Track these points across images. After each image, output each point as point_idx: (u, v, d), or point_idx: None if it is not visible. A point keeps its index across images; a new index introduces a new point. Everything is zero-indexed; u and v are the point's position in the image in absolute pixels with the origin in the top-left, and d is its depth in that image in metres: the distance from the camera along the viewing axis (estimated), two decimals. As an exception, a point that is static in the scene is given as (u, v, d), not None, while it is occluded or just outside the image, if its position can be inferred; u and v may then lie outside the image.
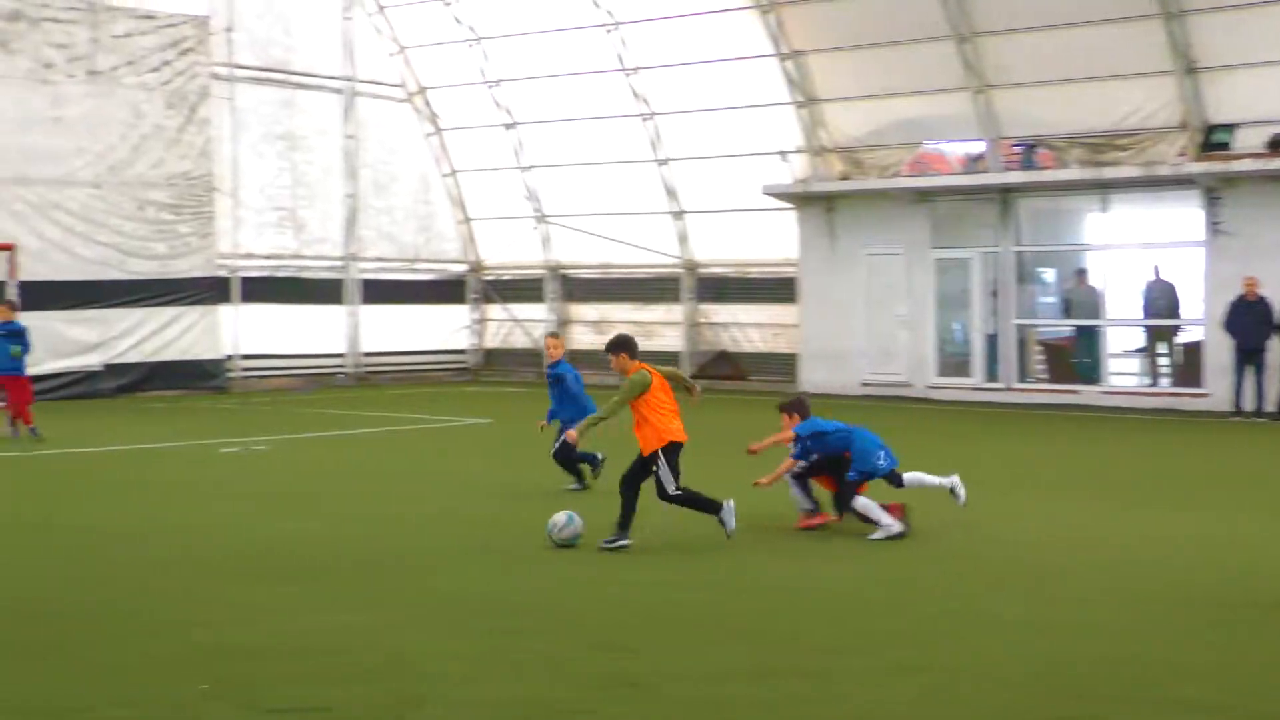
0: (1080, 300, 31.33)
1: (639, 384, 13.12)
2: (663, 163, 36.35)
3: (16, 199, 30.82)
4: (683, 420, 13.32)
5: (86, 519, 15.09)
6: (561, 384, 16.92)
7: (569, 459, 17.14)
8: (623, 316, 38.28)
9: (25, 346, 23.11)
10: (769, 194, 34.03)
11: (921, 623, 10.38)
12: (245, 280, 35.64)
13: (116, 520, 14.97)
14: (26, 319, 29.28)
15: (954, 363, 32.45)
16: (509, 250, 39.93)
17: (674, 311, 37.33)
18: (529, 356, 39.64)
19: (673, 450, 13.07)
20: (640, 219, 37.22)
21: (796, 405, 14.35)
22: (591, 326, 38.71)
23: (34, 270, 30.60)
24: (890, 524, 13.66)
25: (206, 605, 10.77)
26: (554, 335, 17.05)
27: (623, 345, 13.50)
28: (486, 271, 41.01)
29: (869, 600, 11.18)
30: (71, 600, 10.97)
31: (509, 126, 38.48)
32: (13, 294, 29.03)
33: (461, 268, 41.04)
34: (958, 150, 32.65)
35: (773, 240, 35.28)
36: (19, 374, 22.91)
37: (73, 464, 20.19)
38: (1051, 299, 32.49)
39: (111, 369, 32.13)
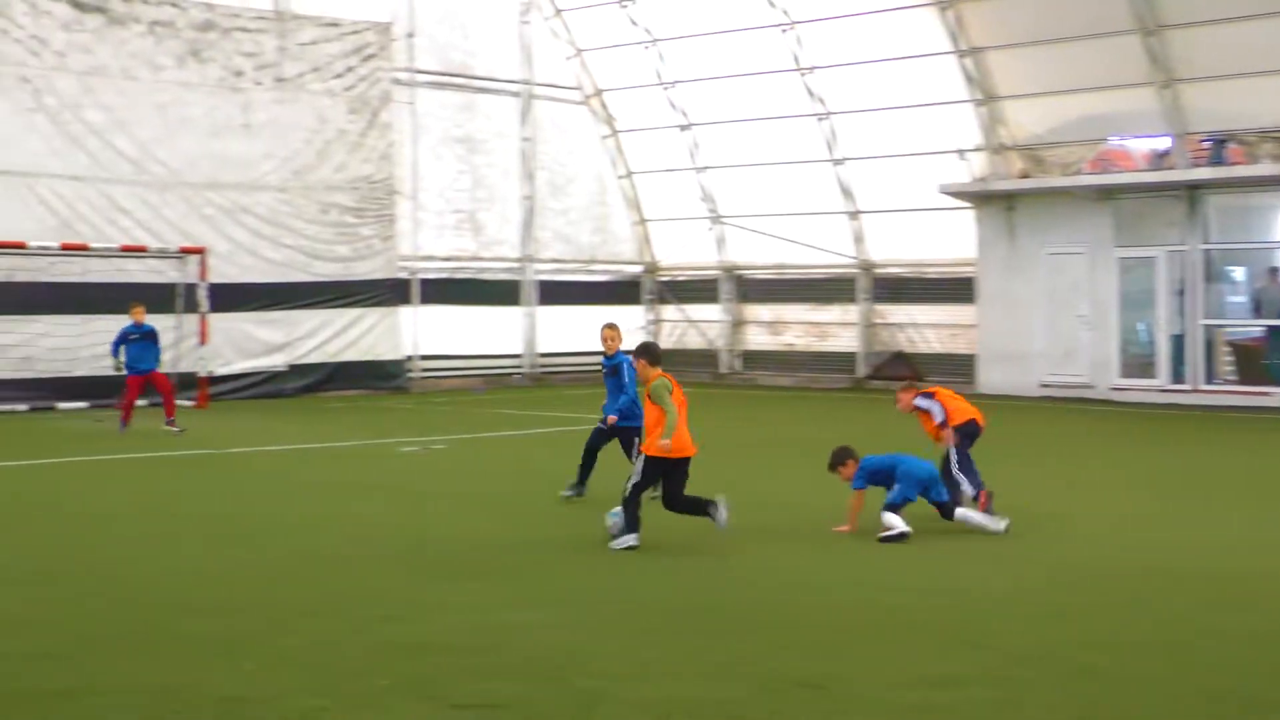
0: (1271, 299, 30.34)
1: (664, 387, 13.34)
2: (838, 162, 36.10)
3: (207, 203, 31.76)
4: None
5: (273, 515, 15.46)
6: (618, 375, 16.57)
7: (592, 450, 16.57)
8: (797, 317, 38.12)
9: (159, 348, 24.56)
10: (946, 193, 33.59)
11: (1110, 629, 10.13)
12: (424, 282, 36.23)
13: (301, 516, 15.31)
14: (215, 320, 30.28)
15: (1138, 364, 31.68)
16: (684, 251, 39.97)
17: (849, 312, 37.03)
18: (703, 357, 39.67)
19: (656, 464, 13.14)
20: (816, 219, 37.00)
21: (842, 454, 14.22)
22: (766, 328, 38.61)
23: (223, 272, 31.50)
24: (896, 524, 13.54)
25: (392, 601, 10.95)
26: (610, 326, 16.80)
27: (643, 352, 13.73)
28: (661, 272, 41.11)
29: (1058, 605, 10.94)
30: (261, 595, 11.24)
31: (684, 128, 38.55)
32: (202, 295, 29.93)
33: (636, 269, 41.20)
34: (1143, 146, 31.86)
35: (950, 240, 34.81)
36: (154, 370, 24.11)
37: (258, 462, 20.71)
38: (1241, 298, 31.51)
39: (295, 369, 32.93)
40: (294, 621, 10.26)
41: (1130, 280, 31.73)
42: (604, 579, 11.86)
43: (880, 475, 14.13)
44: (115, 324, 29.73)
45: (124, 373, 24.15)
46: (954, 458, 14.84)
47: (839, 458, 14.30)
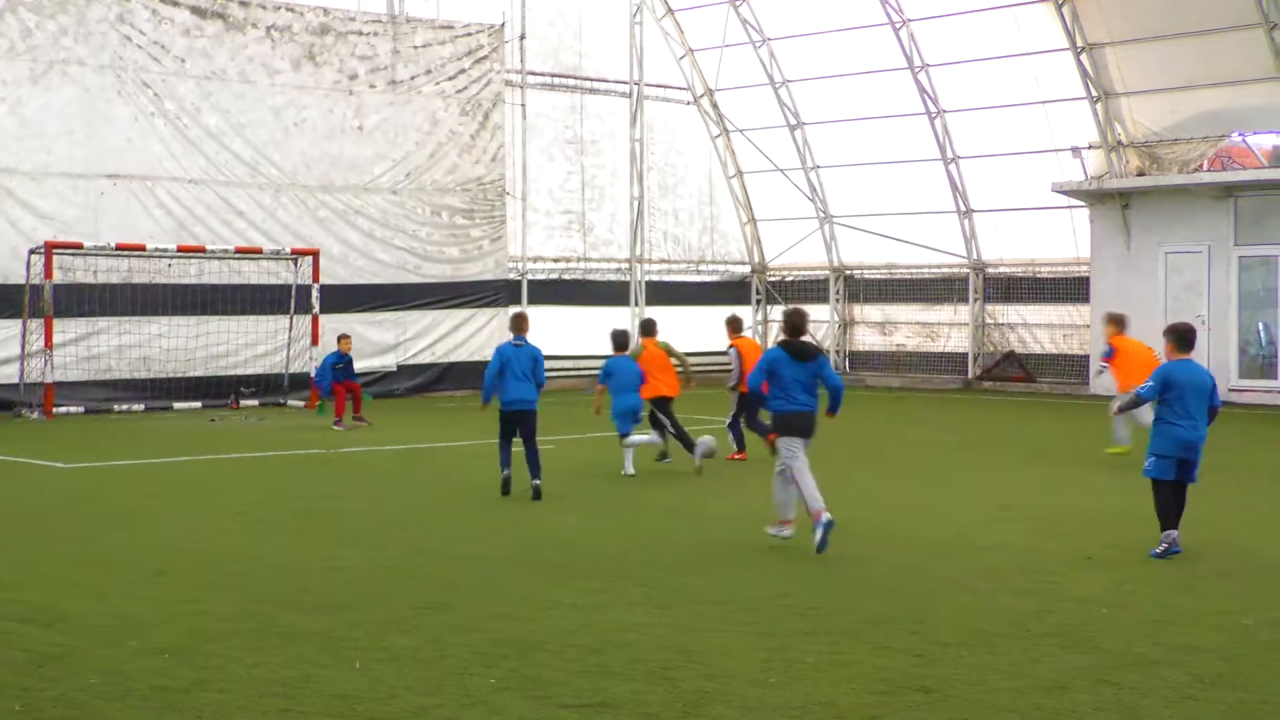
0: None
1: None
2: (950, 161, 35.77)
3: (321, 205, 32.17)
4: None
5: (388, 514, 15.64)
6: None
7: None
8: (908, 317, 37.84)
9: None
10: (1060, 191, 33.15)
11: (1232, 639, 9.94)
12: (533, 283, 36.42)
13: (416, 515, 15.47)
14: (326, 321, 30.65)
15: (1258, 365, 31.04)
16: (793, 251, 39.84)
17: (960, 312, 36.70)
18: (813, 358, 39.41)
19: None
20: (926, 219, 36.71)
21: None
22: (875, 328, 38.37)
23: (335, 274, 31.89)
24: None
25: (505, 600, 11.03)
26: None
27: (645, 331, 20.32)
28: (770, 273, 41.00)
29: (1180, 610, 10.76)
30: (376, 592, 11.38)
31: (795, 127, 38.41)
32: (315, 297, 30.32)
33: (745, 269, 41.12)
34: (1265, 143, 31.19)
35: (1063, 239, 34.39)
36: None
37: (374, 461, 20.95)
38: (1365, 298, 30.77)
39: (405, 369, 33.27)
40: (407, 619, 10.36)
41: (1250, 279, 31.10)
42: (717, 579, 11.84)
43: None
44: (229, 324, 30.31)
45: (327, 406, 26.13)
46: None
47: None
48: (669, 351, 20.23)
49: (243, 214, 30.98)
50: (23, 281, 27.91)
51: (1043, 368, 35.30)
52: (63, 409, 27.74)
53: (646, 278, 38.46)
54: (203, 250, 29.67)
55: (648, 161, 38.64)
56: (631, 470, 18.87)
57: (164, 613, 10.63)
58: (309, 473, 19.61)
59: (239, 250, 30.13)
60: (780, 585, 11.67)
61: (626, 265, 38.34)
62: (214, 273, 30.37)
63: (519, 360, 17.00)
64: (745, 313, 40.68)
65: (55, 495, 17.33)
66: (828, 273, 39.31)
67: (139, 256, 29.18)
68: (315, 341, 30.49)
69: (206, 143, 30.54)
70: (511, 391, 16.89)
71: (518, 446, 16.90)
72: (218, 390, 29.90)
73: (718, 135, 40.11)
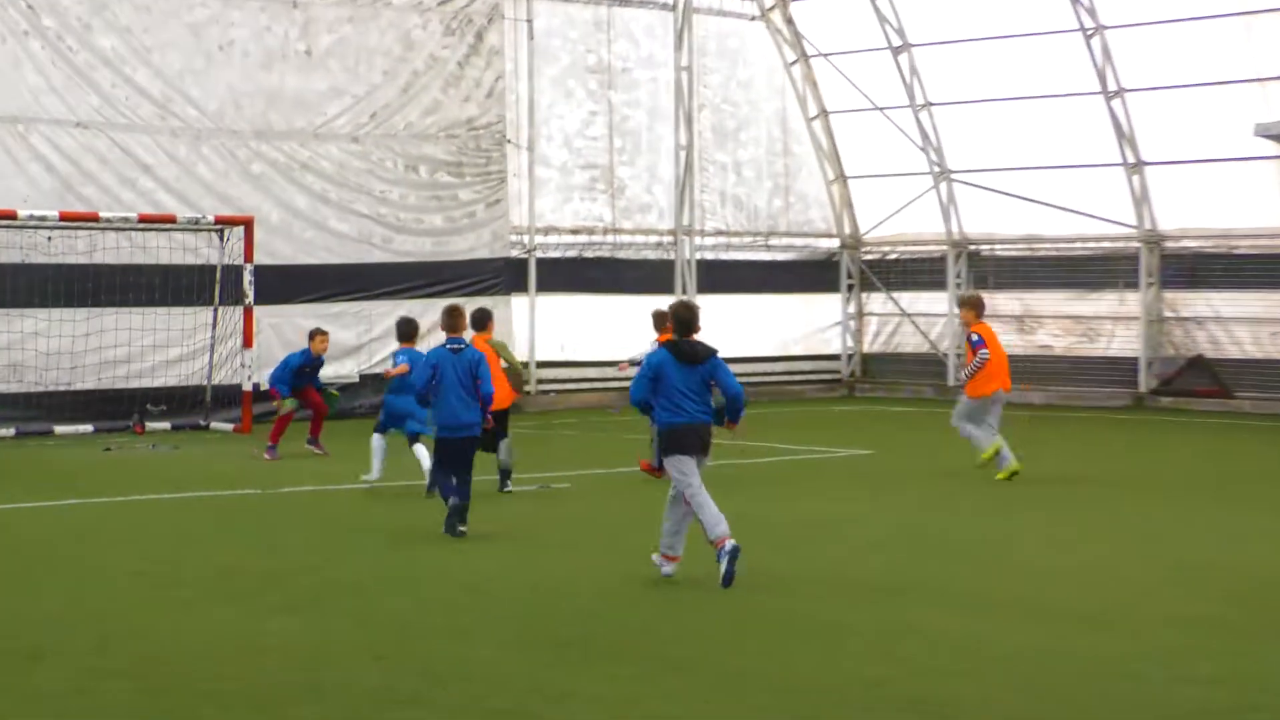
0: None
1: None
2: (1113, 95, 35.59)
3: (256, 157, 32.25)
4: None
5: (350, 571, 15.64)
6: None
7: None
8: (1055, 309, 37.67)
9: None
10: (1265, 136, 32.92)
11: None
12: (544, 262, 36.39)
13: (385, 573, 15.48)
14: (263, 314, 30.71)
15: None
16: (898, 220, 39.70)
17: (1128, 302, 36.52)
18: (923, 364, 39.35)
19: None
20: (1081, 174, 36.54)
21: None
22: (1011, 324, 38.15)
23: (275, 250, 31.97)
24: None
25: (499, 690, 11.00)
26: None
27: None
28: (867, 249, 40.85)
29: None
30: (321, 680, 11.36)
31: (899, 49, 38.27)
32: (247, 282, 30.36)
33: (832, 243, 41.00)
34: None
35: (1270, 201, 34.13)
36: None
37: (312, 504, 20.97)
38: None
39: (370, 380, 33.19)
40: (384, 713, 10.35)
41: None
42: (778, 659, 11.78)
43: None
44: (130, 319, 30.41)
45: (288, 410, 26.24)
46: None
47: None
48: (500, 352, 21.79)
49: (149, 169, 31.09)
50: None
51: (1242, 377, 35.05)
52: (-94, 434, 27.90)
53: (698, 255, 38.36)
54: (95, 218, 29.77)
55: (699, 98, 38.57)
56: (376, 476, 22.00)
57: (41, 711, 10.60)
58: (236, 520, 19.55)
59: (144, 219, 30.21)
60: (868, 666, 11.60)
61: (670, 239, 38.26)
62: (110, 249, 30.45)
63: (458, 369, 17.73)
64: (831, 304, 40.64)
65: (-107, 550, 17.33)
66: (945, 248, 39.15)
67: (8, 226, 29.26)
68: (248, 342, 30.52)
69: (99, 72, 30.65)
70: (450, 413, 17.69)
71: None
72: (115, 409, 29.98)
73: (794, 62, 40.00)
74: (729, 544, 14.49)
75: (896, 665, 11.81)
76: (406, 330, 22.65)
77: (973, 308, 23.93)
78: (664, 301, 37.05)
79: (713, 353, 15.11)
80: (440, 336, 19.01)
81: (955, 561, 16.30)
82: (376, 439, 22.21)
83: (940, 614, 13.50)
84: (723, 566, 14.47)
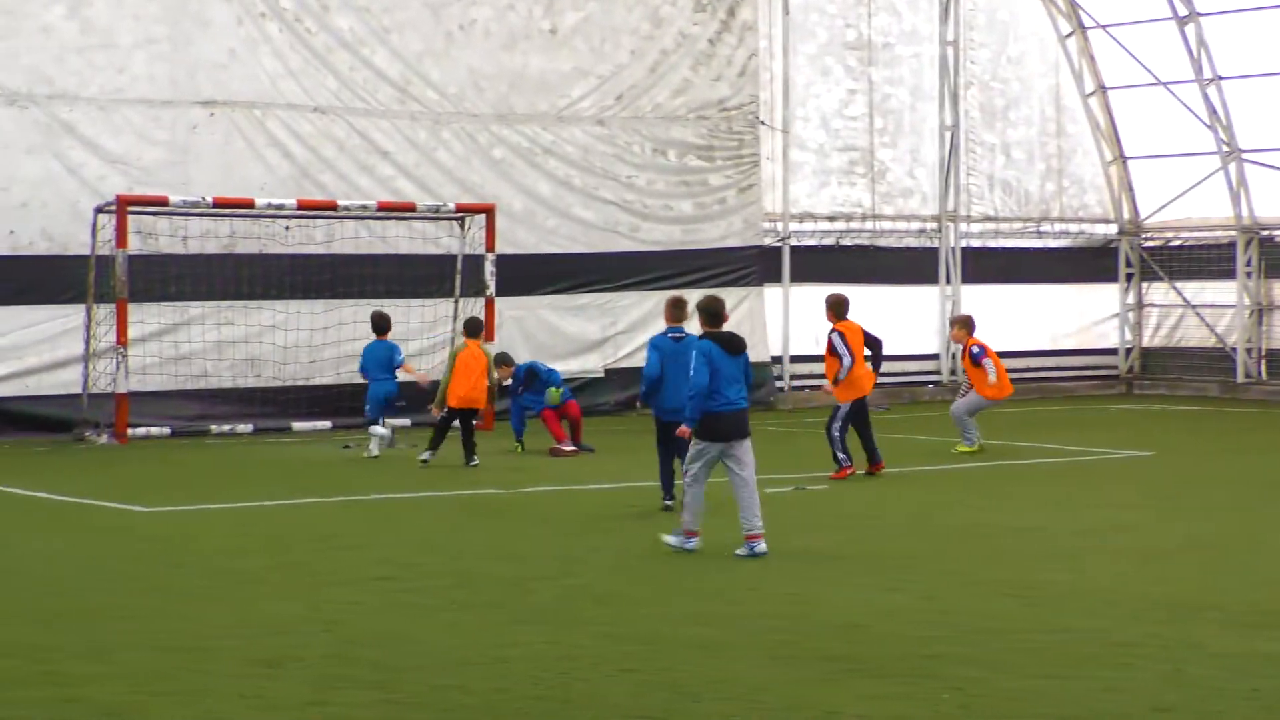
0: None
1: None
2: None
3: (497, 142, 32.56)
4: None
5: (590, 580, 15.73)
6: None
7: None
8: (1356, 301, 36.82)
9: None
10: None
11: None
12: (799, 250, 36.31)
13: (619, 583, 15.54)
14: (504, 306, 30.98)
15: None
16: (1182, 203, 39.06)
17: None
18: (1210, 359, 38.67)
19: None
20: (1384, 153, 35.69)
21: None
22: (1308, 316, 37.44)
23: (516, 239, 32.26)
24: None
25: (759, 707, 10.97)
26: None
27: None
28: (1147, 235, 40.24)
29: None
30: (566, 694, 11.42)
31: (1185, 19, 37.62)
32: (489, 272, 30.60)
33: (1110, 229, 40.44)
34: None
35: None
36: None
37: (569, 505, 21.12)
38: None
39: (616, 375, 33.37)
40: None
41: None
42: (1060, 682, 11.61)
43: None
44: (369, 312, 30.84)
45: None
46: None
47: None
48: (489, 364, 25.35)
49: (389, 155, 31.55)
50: (87, 252, 28.82)
51: None
52: (140, 430, 28.54)
53: (963, 242, 38.07)
54: (333, 207, 30.28)
55: (966, 74, 38.27)
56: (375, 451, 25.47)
57: None
58: (477, 522, 19.82)
59: (383, 207, 30.63)
60: (1156, 694, 11.39)
61: (935, 225, 38.00)
62: (349, 238, 30.96)
63: (680, 357, 18.69)
64: (1109, 293, 40.11)
65: (131, 551, 17.79)
66: (1234, 234, 38.45)
67: (245, 216, 29.87)
68: (489, 336, 30.75)
69: (337, 55, 31.16)
70: (676, 398, 18.47)
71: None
72: (353, 405, 30.36)
73: (1069, 34, 39.52)
74: (685, 543, 16.99)
75: (1181, 689, 11.58)
76: (380, 324, 27.10)
77: (964, 327, 27.35)
78: (929, 295, 37.08)
79: (745, 344, 17.26)
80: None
81: (1249, 577, 15.97)
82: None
83: (1234, 635, 13.22)
84: (672, 541, 17.04)
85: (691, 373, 16.83)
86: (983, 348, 26.64)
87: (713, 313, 17.12)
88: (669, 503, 19.70)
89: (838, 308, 24.32)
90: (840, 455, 23.44)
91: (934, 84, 37.80)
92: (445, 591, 15.29)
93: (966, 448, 26.41)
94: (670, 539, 17.04)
